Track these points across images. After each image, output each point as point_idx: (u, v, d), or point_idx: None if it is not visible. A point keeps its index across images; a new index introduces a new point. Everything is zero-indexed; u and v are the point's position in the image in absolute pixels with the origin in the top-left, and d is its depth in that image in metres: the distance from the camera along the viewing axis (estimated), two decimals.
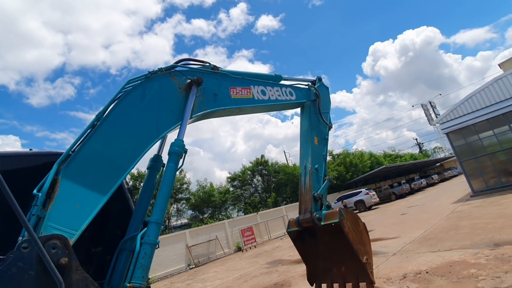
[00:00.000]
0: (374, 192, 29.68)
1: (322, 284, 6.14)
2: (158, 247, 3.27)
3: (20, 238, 2.60)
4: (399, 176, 48.35)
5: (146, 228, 3.27)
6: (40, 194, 2.72)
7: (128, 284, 2.87)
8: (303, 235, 6.25)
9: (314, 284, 6.17)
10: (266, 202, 38.84)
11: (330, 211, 6.07)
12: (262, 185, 42.16)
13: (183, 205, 34.73)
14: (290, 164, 44.11)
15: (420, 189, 37.78)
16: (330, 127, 7.60)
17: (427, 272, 6.06)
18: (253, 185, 42.29)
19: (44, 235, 2.48)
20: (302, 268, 9.09)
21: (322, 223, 5.82)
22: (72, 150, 3.07)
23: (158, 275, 16.86)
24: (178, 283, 13.72)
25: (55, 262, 2.38)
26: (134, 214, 3.73)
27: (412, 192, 35.38)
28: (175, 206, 33.77)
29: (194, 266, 18.60)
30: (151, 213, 3.37)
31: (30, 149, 3.85)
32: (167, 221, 31.72)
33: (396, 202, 28.71)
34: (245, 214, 31.29)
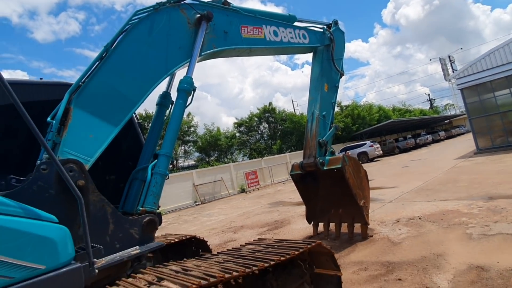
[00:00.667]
0: (378, 145, 29.89)
1: (319, 223, 6.60)
2: (168, 178, 3.48)
3: (38, 161, 2.77)
4: (406, 131, 48.15)
5: (156, 160, 3.45)
6: (54, 121, 2.82)
7: (141, 208, 3.12)
8: (305, 178, 6.52)
9: (312, 222, 6.63)
10: (271, 149, 39.61)
11: (334, 157, 6.22)
12: (268, 132, 42.57)
13: (190, 147, 35.71)
14: (298, 113, 43.86)
15: (425, 144, 37.89)
16: (341, 75, 7.40)
17: (419, 218, 6.40)
18: (259, 132, 42.74)
19: (60, 159, 2.62)
20: (301, 209, 9.64)
21: (325, 168, 6.02)
22: (82, 81, 3.09)
23: (167, 208, 18.12)
24: (186, 216, 14.78)
25: (73, 184, 2.56)
26: (144, 147, 3.89)
27: (416, 147, 35.56)
28: (182, 148, 34.72)
29: (200, 203, 19.85)
30: (161, 147, 3.52)
31: (41, 78, 3.87)
32: (174, 161, 32.89)
33: (399, 155, 29.05)
34: (249, 159, 32.18)
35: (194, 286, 2.09)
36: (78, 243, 2.55)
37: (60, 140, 2.77)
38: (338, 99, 7.43)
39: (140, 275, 2.70)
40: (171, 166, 32.62)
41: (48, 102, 3.45)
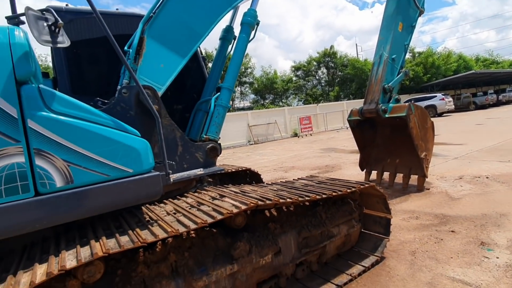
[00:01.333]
0: (450, 99, 26.75)
1: (372, 171, 6.52)
2: (229, 110, 3.67)
3: (119, 87, 3.10)
4: (488, 85, 41.77)
5: (219, 93, 3.63)
6: (131, 50, 3.06)
7: (204, 136, 3.41)
8: (363, 125, 6.31)
9: (365, 170, 6.57)
10: (328, 95, 38.09)
11: (398, 105, 5.82)
12: (326, 78, 40.56)
13: (247, 89, 36.05)
14: (361, 59, 40.39)
15: (508, 102, 32.87)
16: (421, 12, 6.51)
17: (487, 177, 5.92)
18: (317, 77, 40.93)
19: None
20: (354, 157, 9.51)
21: (386, 116, 5.71)
22: (153, 11, 3.21)
23: (223, 145, 19.30)
24: (240, 153, 15.68)
25: (149, 108, 2.87)
26: (207, 81, 4.05)
27: (497, 104, 31.10)
28: (239, 89, 35.23)
29: (253, 143, 20.71)
30: (223, 80, 3.65)
31: (117, 9, 4.11)
32: (231, 102, 33.82)
33: (475, 112, 25.87)
34: (304, 105, 31.59)
35: (252, 204, 2.33)
36: (155, 160, 2.95)
37: (136, 68, 3.03)
38: (411, 43, 6.64)
39: (205, 191, 3.07)
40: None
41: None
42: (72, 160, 1.86)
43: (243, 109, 33.50)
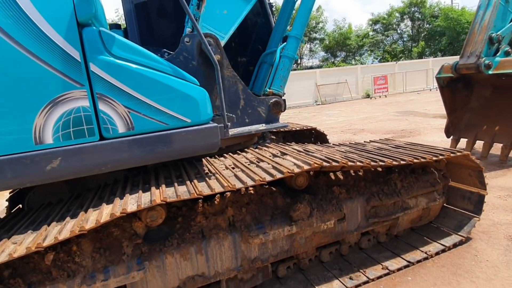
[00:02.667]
0: None
1: (462, 139, 5.57)
2: (296, 61, 3.35)
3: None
4: None
5: (285, 43, 3.30)
6: None
7: (268, 90, 3.18)
8: (456, 84, 5.30)
9: (452, 137, 5.65)
10: (410, 52, 33.68)
11: (508, 59, 4.68)
12: (410, 32, 35.57)
13: (316, 46, 33.90)
14: (457, 7, 33.94)
15: None
16: None
17: None
18: (399, 31, 36.15)
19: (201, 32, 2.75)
20: (438, 122, 8.33)
21: (490, 72, 4.66)
22: None
23: (288, 105, 18.90)
24: (305, 113, 15.19)
25: (210, 58, 2.72)
26: (274, 30, 3.71)
27: None
28: (308, 46, 33.33)
29: (320, 103, 19.82)
30: (291, 28, 3.28)
31: None
32: (299, 60, 32.37)
33: None
34: (380, 63, 28.60)
35: (315, 164, 2.09)
36: (215, 112, 2.87)
37: (199, 15, 2.86)
38: None
39: (266, 148, 2.92)
40: (294, 64, 32.41)
41: None
42: (132, 106, 1.83)
43: (311, 67, 31.84)
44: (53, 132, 1.71)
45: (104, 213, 1.77)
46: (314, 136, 5.13)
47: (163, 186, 2.01)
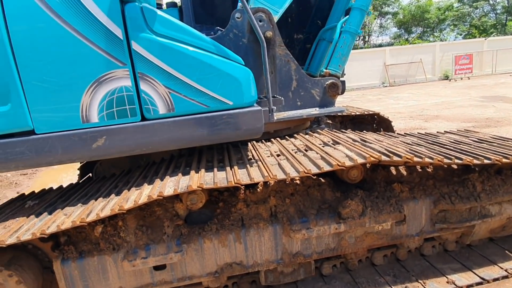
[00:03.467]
0: None
1: None
2: (364, 38, 2.96)
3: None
4: None
5: (347, 16, 2.91)
6: None
7: (324, 70, 2.87)
8: None
9: None
10: (504, 26, 28.54)
11: None
12: (505, 2, 29.98)
13: (388, 21, 30.72)
14: None
15: None
16: None
17: None
18: (491, 2, 30.74)
19: (252, 7, 2.55)
20: None
21: None
22: None
23: (351, 86, 17.77)
24: (370, 96, 14.07)
25: (261, 35, 2.51)
26: (336, 2, 3.32)
27: None
28: (378, 21, 30.39)
29: (388, 85, 18.15)
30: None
31: None
32: (366, 37, 29.86)
33: None
34: (464, 39, 24.87)
35: (372, 158, 1.80)
36: (264, 93, 2.69)
37: None
38: None
39: (317, 135, 2.67)
40: (361, 41, 30.02)
41: None
42: (172, 87, 1.76)
43: (380, 45, 29.06)
44: (98, 111, 1.73)
45: (143, 194, 1.77)
46: (377, 122, 4.63)
47: (203, 170, 1.94)
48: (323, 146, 2.23)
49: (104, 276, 1.96)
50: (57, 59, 1.63)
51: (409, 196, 2.19)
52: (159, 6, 3.52)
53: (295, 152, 2.18)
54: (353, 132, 2.74)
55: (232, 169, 1.93)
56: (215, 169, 1.95)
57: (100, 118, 1.74)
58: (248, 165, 1.98)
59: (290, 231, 2.03)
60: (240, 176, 1.80)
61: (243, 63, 1.91)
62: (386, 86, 18.02)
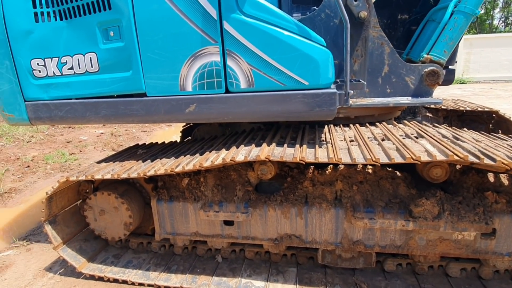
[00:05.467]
0: None
1: None
2: (476, 19, 2.51)
3: None
4: None
5: None
6: None
7: (424, 55, 2.58)
8: None
9: None
10: None
11: None
12: None
13: None
14: None
15: None
16: None
17: None
18: None
19: None
20: None
21: None
22: None
23: (477, 77, 14.90)
24: (500, 91, 11.56)
25: (355, 14, 2.41)
26: None
27: None
28: None
29: None
30: None
31: None
32: (510, 18, 23.99)
33: None
34: None
35: (456, 157, 1.61)
36: (352, 77, 2.60)
37: None
38: None
39: (401, 126, 2.48)
40: (501, 24, 24.33)
41: None
42: (255, 64, 1.91)
43: None
44: (192, 81, 2.03)
45: (220, 157, 2.03)
46: (494, 122, 3.88)
47: (274, 144, 2.08)
48: (403, 138, 2.07)
49: (186, 219, 2.36)
50: (165, 35, 1.97)
51: (504, 209, 1.87)
52: None
53: (370, 140, 2.10)
54: (448, 127, 2.42)
55: (302, 147, 2.01)
56: (285, 145, 2.06)
57: (193, 88, 2.04)
58: (317, 146, 2.02)
59: (351, 217, 2.02)
60: (306, 154, 1.87)
61: (325, 45, 1.91)
62: None
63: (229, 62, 1.94)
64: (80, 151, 5.86)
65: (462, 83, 14.61)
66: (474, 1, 2.42)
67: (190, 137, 3.78)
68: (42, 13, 2.23)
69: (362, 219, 1.98)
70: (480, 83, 14.39)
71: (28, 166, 5.03)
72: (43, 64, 2.29)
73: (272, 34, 1.84)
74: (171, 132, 7.03)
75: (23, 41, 2.26)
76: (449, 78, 3.25)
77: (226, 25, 1.87)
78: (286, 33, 1.84)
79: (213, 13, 1.86)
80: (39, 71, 2.31)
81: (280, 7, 3.51)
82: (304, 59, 1.84)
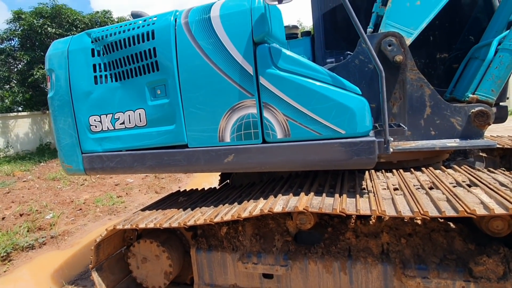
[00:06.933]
0: None
1: None
2: None
3: None
4: None
5: (509, 30, 2.39)
6: None
7: (470, 95, 2.45)
8: None
9: None
10: None
11: None
12: None
13: None
14: None
15: None
16: None
17: None
18: None
19: (383, 32, 2.49)
20: None
21: None
22: None
23: None
24: None
25: (390, 59, 2.42)
26: (496, 13, 2.79)
27: None
28: None
29: None
30: None
31: None
32: None
33: None
34: None
35: None
36: (391, 120, 2.54)
37: (384, 12, 2.58)
38: None
39: (451, 171, 2.30)
40: None
41: None
42: (290, 115, 1.95)
43: None
44: (231, 133, 2.11)
45: (258, 207, 2.02)
46: None
47: (312, 193, 2.03)
48: (454, 186, 1.92)
49: (224, 270, 2.32)
50: (206, 92, 2.11)
51: None
52: (294, 36, 3.89)
53: (417, 189, 1.97)
54: (506, 172, 2.19)
55: (341, 196, 1.94)
56: (324, 194, 2.00)
57: (231, 139, 2.12)
58: (358, 195, 1.94)
59: (402, 275, 1.84)
60: (347, 205, 1.80)
61: (360, 93, 1.91)
62: None
63: (265, 114, 2.00)
64: (127, 193, 6.20)
65: None
66: None
67: (228, 180, 3.84)
68: (100, 76, 2.54)
69: (414, 278, 1.80)
70: None
71: (80, 209, 5.41)
72: (99, 120, 2.55)
73: (306, 86, 1.89)
74: (211, 175, 7.21)
75: (84, 100, 2.56)
76: (501, 116, 3.02)
77: (262, 80, 1.96)
78: (319, 84, 1.88)
79: (249, 69, 1.98)
80: (96, 126, 2.56)
81: (313, 54, 3.65)
82: (339, 108, 1.85)
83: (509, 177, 2.04)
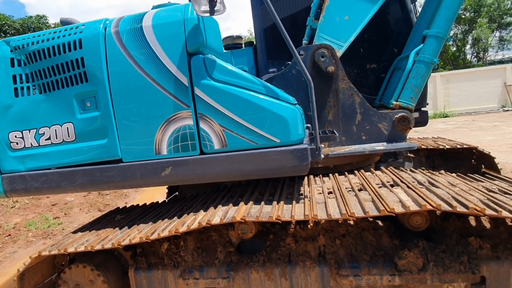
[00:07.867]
0: None
1: None
2: (437, 67, 2.69)
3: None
4: None
5: (423, 44, 2.69)
6: (312, 5, 2.80)
7: (394, 102, 2.70)
8: None
9: None
10: None
11: None
12: None
13: (511, 33, 25.88)
14: None
15: None
16: None
17: None
18: None
19: (316, 44, 2.64)
20: None
21: None
22: None
23: (459, 110, 15.52)
24: (482, 122, 11.94)
25: (323, 69, 2.57)
26: (414, 28, 3.12)
27: None
28: (497, 34, 25.91)
29: (509, 109, 15.11)
30: (431, 25, 2.64)
31: None
32: (481, 53, 25.72)
33: None
34: None
35: (428, 206, 1.60)
36: (328, 127, 2.68)
37: (316, 25, 2.74)
38: None
39: (379, 173, 2.50)
40: (473, 58, 26.04)
41: None
42: (226, 125, 1.96)
43: (501, 62, 24.49)
44: (167, 145, 2.05)
45: (196, 220, 1.98)
46: (475, 158, 3.94)
47: (251, 203, 2.06)
48: (379, 187, 2.08)
49: None
50: (139, 103, 2.04)
51: (490, 255, 1.82)
52: (238, 46, 3.95)
53: (348, 191, 2.10)
54: (425, 172, 2.44)
55: (279, 204, 1.99)
56: (263, 203, 2.04)
57: (168, 151, 2.06)
58: (295, 201, 2.00)
59: (336, 275, 1.93)
60: (283, 212, 1.85)
61: (294, 102, 2.00)
62: (507, 111, 15.03)
63: (202, 125, 1.99)
64: (65, 214, 5.69)
65: (445, 116, 15.13)
66: (432, 51, 2.61)
67: (177, 193, 3.73)
68: (22, 88, 2.32)
69: (347, 277, 1.90)
70: (462, 115, 14.93)
71: (9, 235, 4.83)
72: (21, 136, 2.32)
73: (241, 96, 1.92)
74: (159, 188, 6.91)
75: (2, 115, 2.31)
76: (423, 120, 3.37)
77: (197, 91, 1.95)
78: (253, 94, 1.92)
79: (184, 80, 1.96)
80: (17, 143, 2.32)
81: (256, 64, 3.73)
82: (273, 118, 1.90)
83: (427, 175, 2.26)
